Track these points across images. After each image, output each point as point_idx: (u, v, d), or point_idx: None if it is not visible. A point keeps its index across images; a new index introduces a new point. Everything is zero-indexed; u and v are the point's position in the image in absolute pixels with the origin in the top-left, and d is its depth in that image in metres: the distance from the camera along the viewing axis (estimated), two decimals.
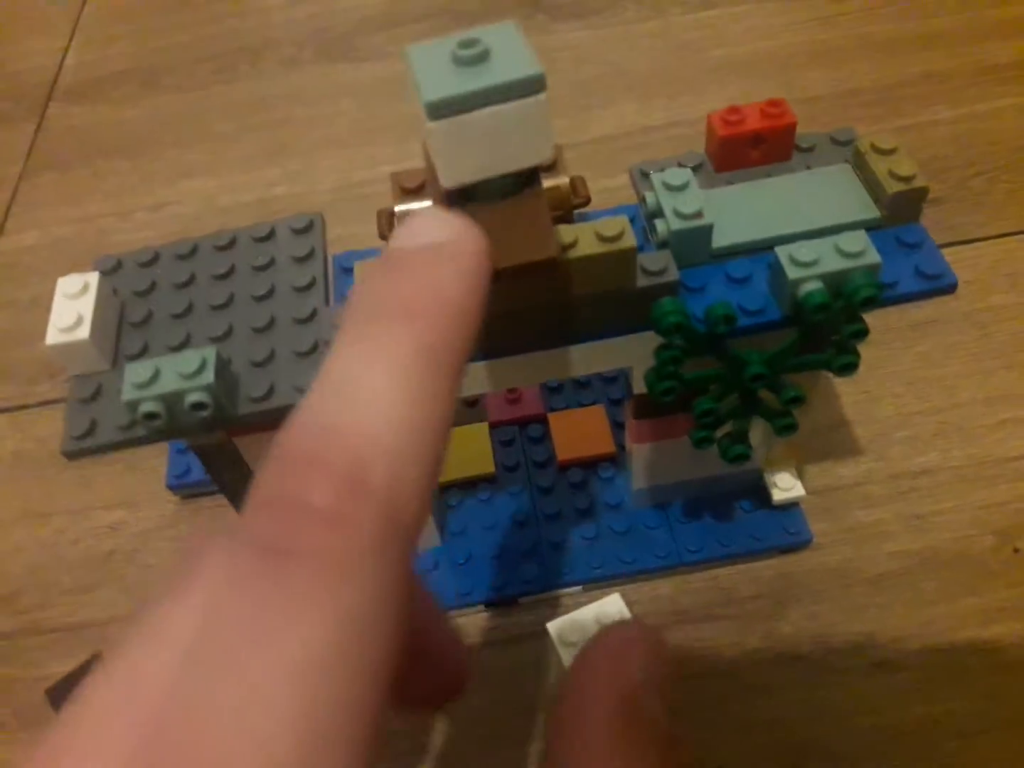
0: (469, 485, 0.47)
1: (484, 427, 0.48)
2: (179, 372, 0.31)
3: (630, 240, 0.31)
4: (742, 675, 0.41)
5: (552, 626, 0.35)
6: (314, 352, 0.33)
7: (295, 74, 0.76)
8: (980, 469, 0.47)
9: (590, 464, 0.47)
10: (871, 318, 0.54)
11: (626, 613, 0.35)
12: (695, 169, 0.38)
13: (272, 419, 0.32)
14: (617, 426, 0.48)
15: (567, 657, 0.34)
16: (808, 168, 0.37)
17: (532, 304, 0.31)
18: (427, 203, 0.33)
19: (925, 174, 0.64)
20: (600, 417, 0.49)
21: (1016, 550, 0.44)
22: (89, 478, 0.50)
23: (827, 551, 0.45)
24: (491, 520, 0.45)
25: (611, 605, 0.35)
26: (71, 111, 0.75)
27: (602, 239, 0.31)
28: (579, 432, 0.48)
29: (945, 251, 0.57)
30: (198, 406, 0.31)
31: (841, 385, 0.51)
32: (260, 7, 0.84)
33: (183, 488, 0.49)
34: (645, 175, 0.37)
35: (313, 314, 0.34)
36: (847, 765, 0.39)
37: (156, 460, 0.50)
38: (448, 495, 0.47)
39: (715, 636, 0.42)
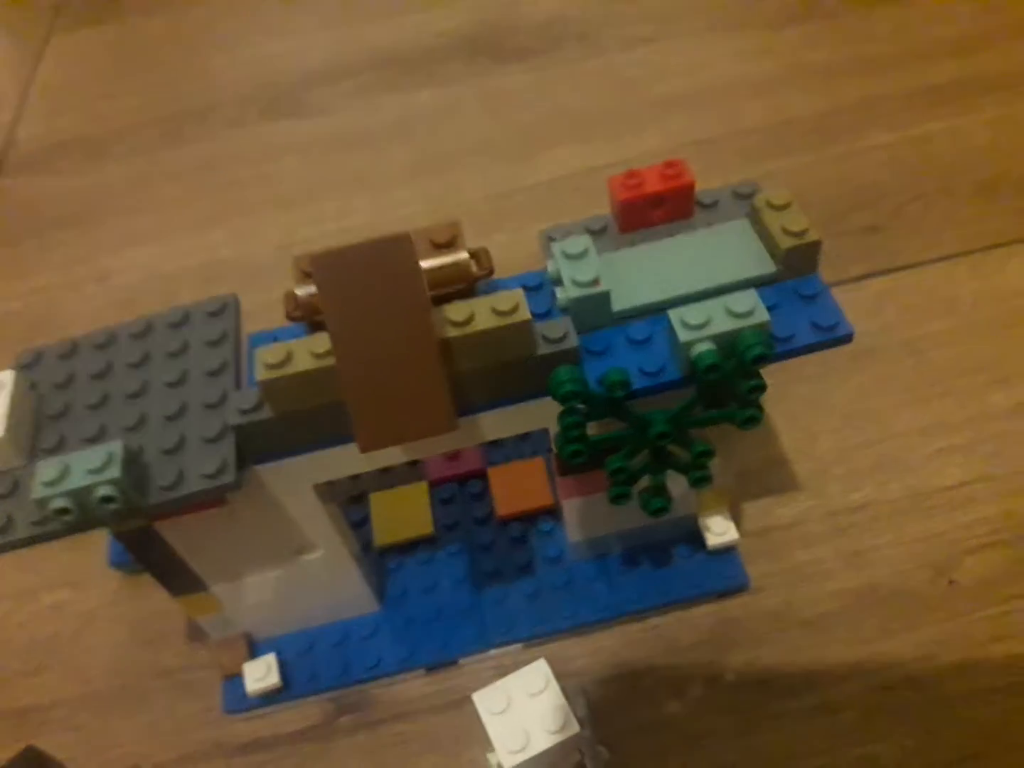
0: (408, 547, 0.47)
1: (423, 487, 0.49)
2: (87, 468, 0.31)
3: (524, 313, 0.31)
4: (684, 725, 0.41)
5: (477, 697, 0.35)
6: (222, 438, 0.33)
7: (240, 134, 0.77)
8: (916, 501, 0.47)
9: (530, 517, 0.47)
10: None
11: (552, 679, 0.35)
12: (601, 231, 0.38)
13: (184, 505, 0.33)
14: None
15: (493, 727, 0.34)
16: (709, 225, 0.37)
17: None
18: None
19: (862, 202, 0.65)
20: (539, 470, 0.49)
21: (951, 582, 0.44)
22: (34, 559, 0.50)
23: (766, 593, 0.45)
24: (430, 581, 0.45)
25: (536, 672, 0.35)
26: (21, 184, 0.76)
27: (497, 313, 0.31)
28: (518, 486, 0.48)
29: (883, 279, 0.59)
30: (107, 499, 0.31)
31: (779, 423, 0.51)
32: (205, 68, 0.85)
33: (125, 566, 0.49)
34: (552, 240, 0.38)
35: (223, 398, 0.34)
36: None
37: (97, 538, 0.50)
38: (387, 558, 0.47)
39: (658, 687, 0.42)
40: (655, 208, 0.37)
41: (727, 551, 0.45)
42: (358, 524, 0.48)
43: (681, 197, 0.36)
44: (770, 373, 0.34)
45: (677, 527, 0.45)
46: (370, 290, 0.28)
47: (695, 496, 0.44)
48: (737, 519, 0.46)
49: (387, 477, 0.50)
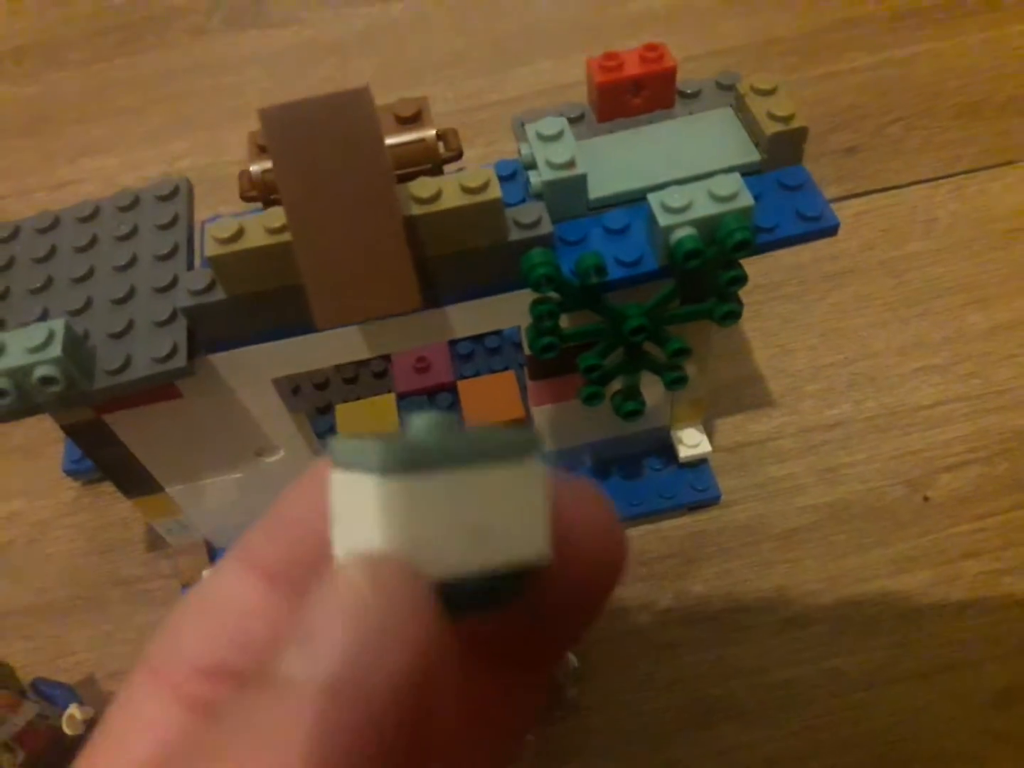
0: None
1: (391, 398, 0.47)
2: (25, 346, 0.29)
3: (495, 191, 0.29)
4: (653, 635, 0.41)
5: None
6: (172, 321, 0.31)
7: (202, 43, 0.73)
8: (893, 419, 0.46)
9: None
10: (785, 273, 0.54)
11: None
12: (577, 119, 0.36)
13: (132, 392, 0.31)
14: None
15: None
16: (691, 114, 0.35)
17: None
18: None
19: (842, 123, 0.63)
20: (510, 383, 0.47)
21: (926, 498, 0.43)
22: None
23: (738, 508, 0.44)
24: None
25: None
26: None
27: (466, 191, 0.29)
28: (489, 399, 0.47)
29: (862, 200, 0.58)
30: (47, 380, 0.29)
31: (754, 340, 0.50)
32: None
33: (82, 474, 0.47)
34: (525, 124, 0.36)
35: (174, 282, 0.32)
36: (757, 721, 0.38)
37: (53, 447, 0.48)
38: None
39: (626, 598, 0.42)
40: (634, 95, 0.35)
41: (699, 464, 0.44)
42: (324, 435, 0.46)
43: (662, 83, 0.35)
44: (747, 292, 0.33)
45: (649, 440, 0.44)
46: (326, 151, 0.26)
47: (668, 408, 0.42)
48: (709, 434, 0.44)
49: (354, 389, 0.49)
